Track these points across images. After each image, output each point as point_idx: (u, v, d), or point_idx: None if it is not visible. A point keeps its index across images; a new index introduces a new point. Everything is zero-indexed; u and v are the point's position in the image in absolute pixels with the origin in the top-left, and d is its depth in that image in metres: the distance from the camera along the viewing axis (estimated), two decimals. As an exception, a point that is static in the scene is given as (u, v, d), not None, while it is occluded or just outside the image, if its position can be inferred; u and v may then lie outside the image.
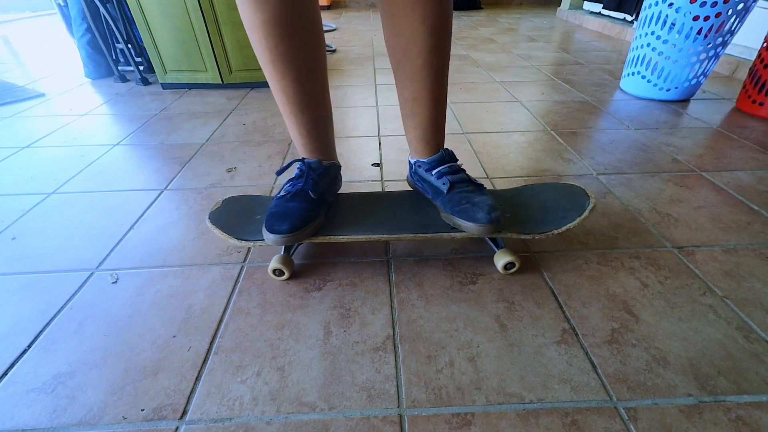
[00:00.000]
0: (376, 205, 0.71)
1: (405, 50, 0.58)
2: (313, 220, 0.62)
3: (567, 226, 0.61)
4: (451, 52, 2.14)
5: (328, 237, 0.63)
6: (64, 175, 0.98)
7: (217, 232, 0.65)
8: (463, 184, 0.66)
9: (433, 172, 0.67)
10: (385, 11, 0.56)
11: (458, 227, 0.62)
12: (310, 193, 0.63)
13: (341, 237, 0.63)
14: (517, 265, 0.64)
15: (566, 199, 0.67)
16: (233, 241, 0.63)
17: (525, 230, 0.63)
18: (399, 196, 0.74)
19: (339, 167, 0.72)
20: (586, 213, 0.62)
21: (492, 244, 0.67)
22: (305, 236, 0.61)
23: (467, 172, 0.68)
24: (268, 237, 0.59)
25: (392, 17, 0.55)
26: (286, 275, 0.65)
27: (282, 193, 0.65)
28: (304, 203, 0.63)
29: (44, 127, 1.27)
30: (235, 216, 0.70)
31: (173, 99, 1.52)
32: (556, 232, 0.62)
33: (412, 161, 0.72)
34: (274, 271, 0.64)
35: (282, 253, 0.66)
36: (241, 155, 1.07)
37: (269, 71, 0.58)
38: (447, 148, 0.69)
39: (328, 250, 0.72)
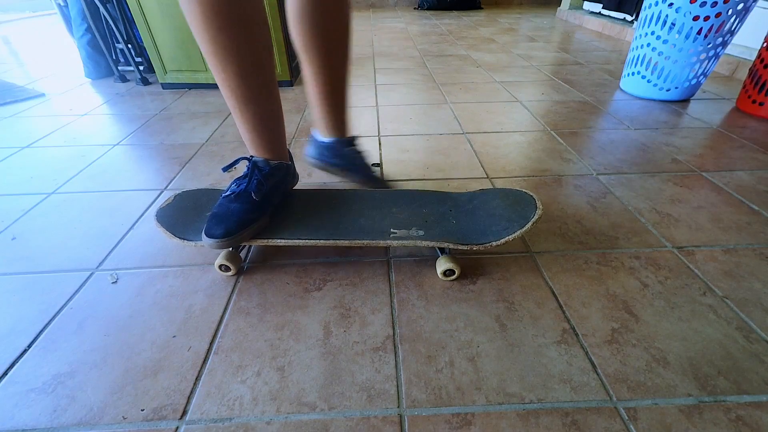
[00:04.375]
0: (324, 205, 0.72)
1: (336, 42, 0.71)
2: (252, 224, 0.63)
3: (506, 238, 0.61)
4: (452, 53, 2.15)
5: (266, 240, 0.63)
6: (64, 175, 0.98)
7: (161, 230, 0.65)
8: (364, 161, 0.85)
9: (346, 149, 0.84)
10: (311, 8, 0.67)
11: (362, 182, 0.84)
12: (253, 194, 0.64)
13: (279, 241, 0.63)
14: (456, 272, 0.63)
15: (514, 208, 0.67)
16: (176, 240, 0.64)
17: (464, 241, 0.62)
18: (347, 196, 0.75)
19: (287, 166, 0.72)
20: (527, 226, 0.62)
21: (438, 250, 0.67)
22: (243, 240, 0.62)
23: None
24: (206, 240, 0.60)
25: (320, 11, 0.67)
26: (233, 271, 0.65)
27: (227, 192, 0.65)
28: (245, 205, 0.63)
29: (44, 127, 1.27)
30: (184, 212, 0.70)
31: (173, 99, 1.52)
32: (495, 243, 0.61)
33: (330, 139, 0.85)
34: (220, 266, 0.65)
35: (230, 250, 0.66)
36: (240, 155, 1.07)
37: (211, 62, 0.57)
38: (355, 134, 0.87)
39: (327, 250, 0.72)
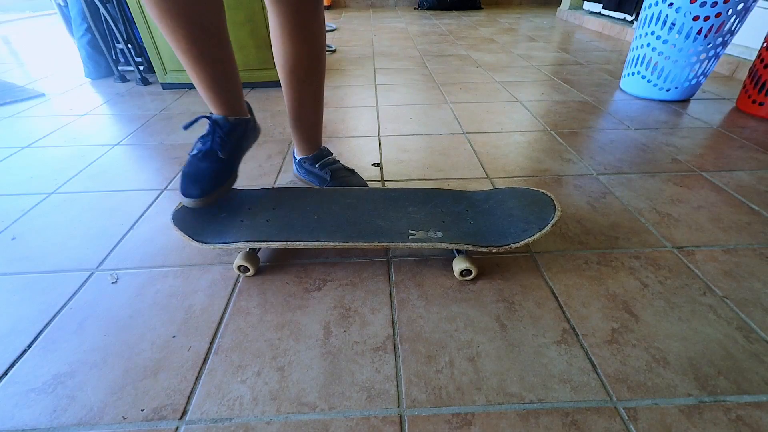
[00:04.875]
0: (339, 205, 0.71)
1: (295, 64, 0.73)
2: (225, 182, 0.68)
3: (526, 240, 0.61)
4: (452, 53, 2.15)
5: (285, 242, 0.63)
6: (64, 175, 0.98)
7: (179, 233, 0.65)
8: (341, 171, 0.86)
9: (317, 165, 0.85)
10: (278, 27, 0.69)
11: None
12: (219, 153, 0.67)
13: (299, 243, 0.63)
14: (474, 272, 0.63)
15: (532, 209, 0.66)
16: (194, 244, 0.64)
17: (483, 242, 0.62)
18: (362, 196, 0.74)
19: (247, 121, 0.71)
20: (547, 228, 0.61)
21: (454, 250, 0.66)
22: (218, 196, 0.68)
23: (342, 162, 0.89)
24: (184, 200, 0.66)
25: (282, 32, 0.69)
26: (252, 272, 0.65)
27: (194, 151, 0.68)
28: (214, 164, 0.67)
29: (44, 127, 1.27)
30: (199, 214, 0.70)
31: (173, 99, 1.52)
32: (514, 245, 0.60)
33: (299, 157, 0.89)
34: (239, 267, 0.65)
35: (248, 251, 0.66)
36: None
37: (160, 26, 0.57)
38: (324, 146, 0.88)
39: (327, 250, 0.72)
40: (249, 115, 0.74)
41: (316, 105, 0.81)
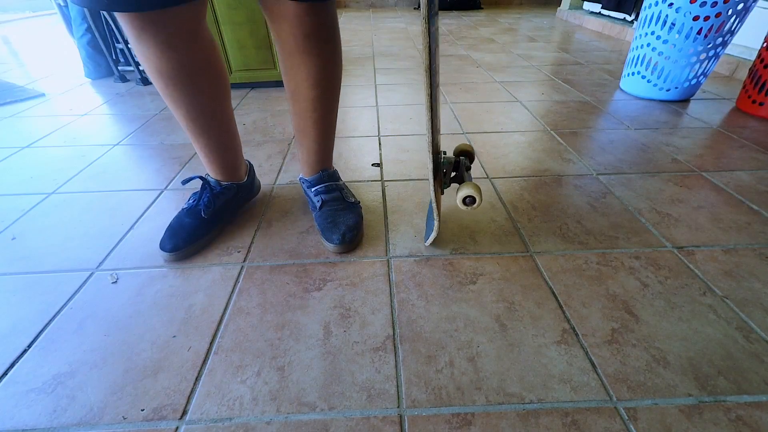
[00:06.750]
0: None
1: (293, 94, 0.68)
2: (201, 238, 0.72)
3: None
4: (452, 53, 2.15)
5: None
6: (64, 175, 0.98)
7: None
8: (335, 202, 0.75)
9: (312, 190, 0.78)
10: (280, 59, 0.66)
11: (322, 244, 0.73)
12: (202, 212, 0.72)
13: None
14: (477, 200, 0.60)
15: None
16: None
17: None
18: None
19: (238, 186, 0.78)
20: None
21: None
22: (191, 253, 0.71)
23: (345, 192, 0.78)
24: (160, 253, 0.69)
25: (284, 65, 0.66)
26: (478, 201, 0.61)
27: (185, 205, 0.74)
28: (195, 221, 0.72)
29: (44, 127, 1.27)
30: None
31: (173, 99, 1.52)
32: None
33: (299, 175, 0.85)
34: (464, 200, 0.61)
35: (468, 179, 0.63)
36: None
37: (167, 104, 0.65)
38: (328, 170, 0.78)
39: (327, 250, 0.72)
40: (245, 179, 0.80)
41: (319, 131, 0.72)
